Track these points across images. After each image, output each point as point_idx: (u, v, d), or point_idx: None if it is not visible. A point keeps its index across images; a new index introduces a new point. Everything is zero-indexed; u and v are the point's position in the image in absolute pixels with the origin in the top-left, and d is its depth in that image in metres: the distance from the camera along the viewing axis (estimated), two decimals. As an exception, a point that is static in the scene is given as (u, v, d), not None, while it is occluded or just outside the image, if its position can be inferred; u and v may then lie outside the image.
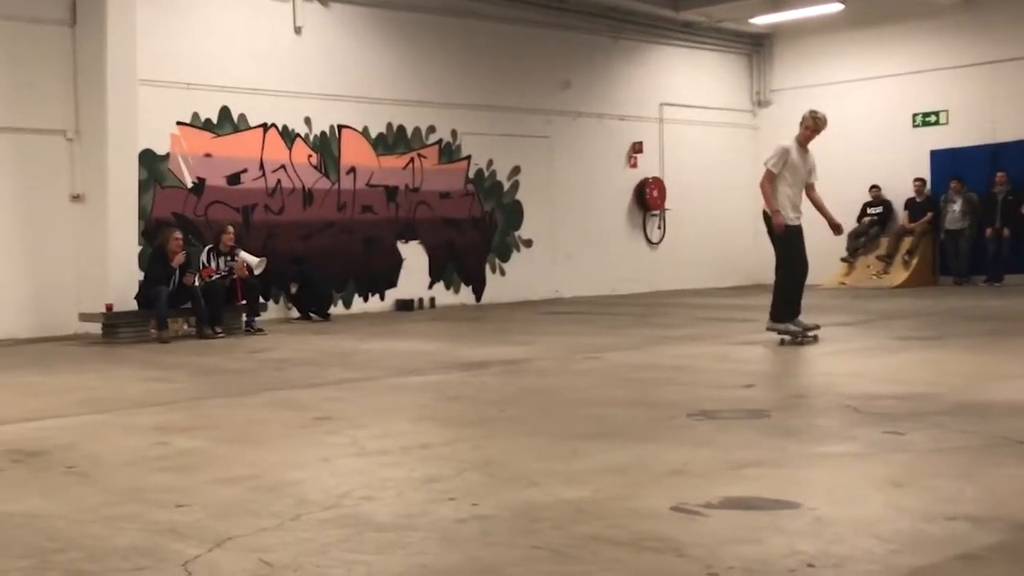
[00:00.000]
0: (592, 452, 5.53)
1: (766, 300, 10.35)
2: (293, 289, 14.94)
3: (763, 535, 3.93)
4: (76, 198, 13.27)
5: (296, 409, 7.22)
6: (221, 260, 13.32)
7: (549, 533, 4.04)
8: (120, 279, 12.76)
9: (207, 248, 13.49)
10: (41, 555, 3.94)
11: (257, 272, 13.29)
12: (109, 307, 12.49)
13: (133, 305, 12.67)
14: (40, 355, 11.24)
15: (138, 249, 13.33)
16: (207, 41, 14.44)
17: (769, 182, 9.84)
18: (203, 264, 13.23)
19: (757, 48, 21.73)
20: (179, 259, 12.65)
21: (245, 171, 14.98)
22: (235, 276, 13.18)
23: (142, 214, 13.59)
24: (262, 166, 15.15)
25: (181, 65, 14.14)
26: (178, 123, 14.27)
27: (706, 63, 21.08)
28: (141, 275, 12.96)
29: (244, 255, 13.30)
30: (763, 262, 21.61)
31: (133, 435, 6.42)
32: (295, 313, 15.08)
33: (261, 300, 13.79)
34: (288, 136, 15.40)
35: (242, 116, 14.90)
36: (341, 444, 5.94)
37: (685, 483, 4.80)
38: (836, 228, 10.19)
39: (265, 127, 15.17)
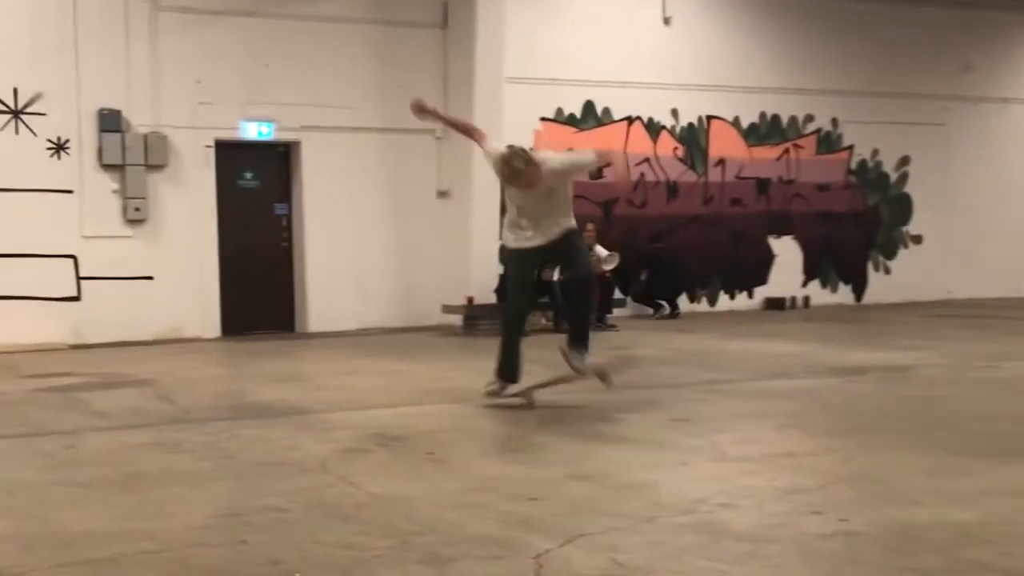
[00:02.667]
0: (983, 471, 5.17)
1: None
2: (643, 276, 15.04)
3: None
4: (442, 194, 14.14)
5: (655, 409, 7.28)
6: (581, 256, 13.70)
7: (926, 556, 3.82)
8: (481, 273, 13.46)
9: (567, 244, 13.89)
10: (401, 536, 4.24)
11: (607, 268, 13.53)
12: (470, 300, 13.22)
13: (493, 298, 13.31)
14: (405, 344, 12.07)
15: (499, 244, 13.95)
16: (573, 36, 14.87)
17: None
18: (563, 259, 13.65)
19: None
20: (537, 254, 13.12)
21: (608, 165, 15.26)
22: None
23: (503, 210, 14.19)
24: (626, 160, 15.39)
25: (546, 61, 14.64)
26: (541, 119, 14.81)
27: None
28: (501, 269, 13.57)
29: (598, 249, 13.60)
30: None
31: (489, 425, 6.74)
32: (647, 310, 15.14)
33: (617, 295, 14.02)
34: (653, 129, 15.57)
35: (606, 110, 15.24)
36: (700, 448, 5.94)
37: (1095, 512, 4.37)
38: None
39: (630, 120, 15.42)
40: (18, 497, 5.10)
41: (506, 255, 7.85)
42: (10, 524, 4.56)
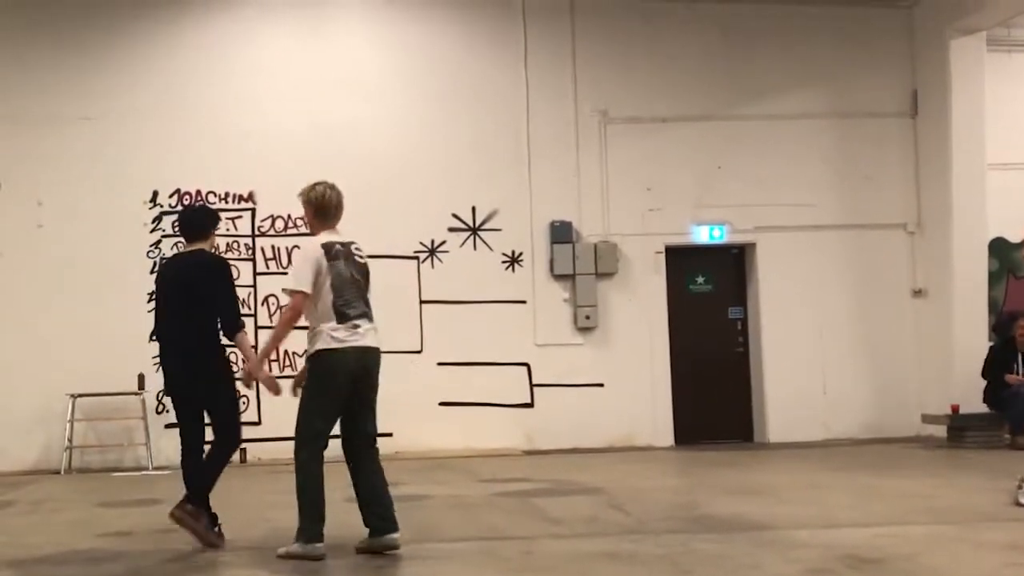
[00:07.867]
0: None
1: None
2: None
3: None
4: (917, 293, 13.46)
5: None
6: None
7: None
8: (967, 378, 12.49)
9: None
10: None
11: None
12: (955, 408, 12.31)
13: (981, 407, 12.34)
14: (878, 457, 11.41)
15: (988, 345, 12.94)
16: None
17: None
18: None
19: None
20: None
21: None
22: None
23: (992, 308, 13.26)
24: None
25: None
26: (1036, 206, 13.74)
27: None
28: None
29: None
30: None
31: (981, 551, 6.07)
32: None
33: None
34: None
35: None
36: None
37: None
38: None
39: None
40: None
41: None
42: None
